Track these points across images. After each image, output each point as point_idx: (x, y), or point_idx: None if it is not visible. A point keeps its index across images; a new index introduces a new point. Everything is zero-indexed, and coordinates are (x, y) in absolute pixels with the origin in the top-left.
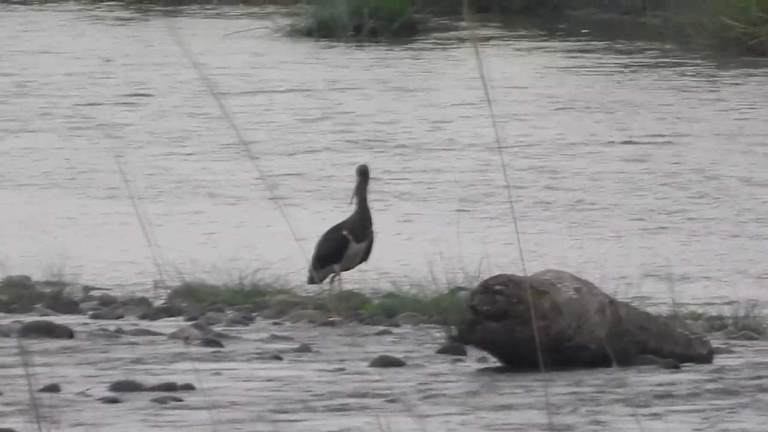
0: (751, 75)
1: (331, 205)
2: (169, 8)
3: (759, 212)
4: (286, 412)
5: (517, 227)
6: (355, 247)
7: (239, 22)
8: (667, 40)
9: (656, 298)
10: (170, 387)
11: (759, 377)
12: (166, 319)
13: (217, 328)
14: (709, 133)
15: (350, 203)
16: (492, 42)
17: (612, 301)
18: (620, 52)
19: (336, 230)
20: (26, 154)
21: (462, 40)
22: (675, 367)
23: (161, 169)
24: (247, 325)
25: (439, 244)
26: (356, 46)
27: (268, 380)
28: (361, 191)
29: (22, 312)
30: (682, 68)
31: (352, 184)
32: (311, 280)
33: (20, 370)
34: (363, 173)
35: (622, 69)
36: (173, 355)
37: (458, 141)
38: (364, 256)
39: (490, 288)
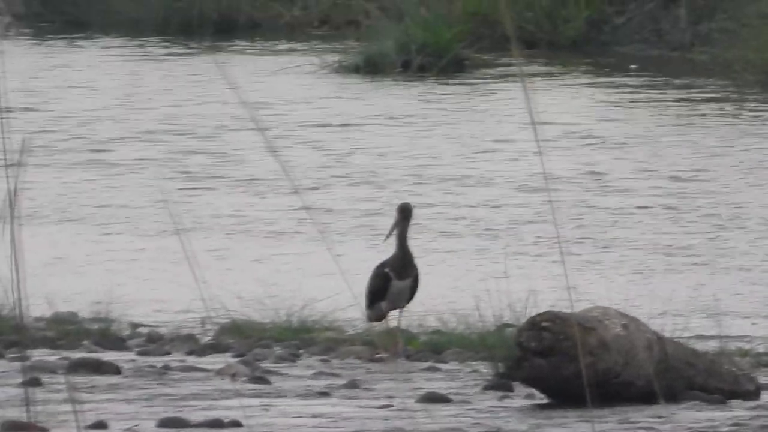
0: None
1: (375, 241)
2: (215, 44)
3: None
4: None
5: (564, 263)
6: (397, 284)
7: (285, 58)
8: (715, 77)
9: (703, 334)
10: (217, 424)
11: None
12: (213, 355)
13: (265, 365)
14: (754, 170)
15: (384, 241)
16: (539, 78)
17: (660, 338)
18: (667, 88)
19: (379, 268)
20: (68, 189)
21: (510, 76)
22: (722, 403)
23: (203, 204)
24: (294, 361)
25: (485, 280)
26: (403, 82)
27: (316, 417)
28: (402, 230)
29: (69, 348)
30: (728, 104)
31: (392, 220)
32: (367, 318)
33: (68, 407)
34: (403, 211)
35: (669, 105)
36: (220, 392)
37: (502, 176)
38: (410, 294)
39: (537, 324)
